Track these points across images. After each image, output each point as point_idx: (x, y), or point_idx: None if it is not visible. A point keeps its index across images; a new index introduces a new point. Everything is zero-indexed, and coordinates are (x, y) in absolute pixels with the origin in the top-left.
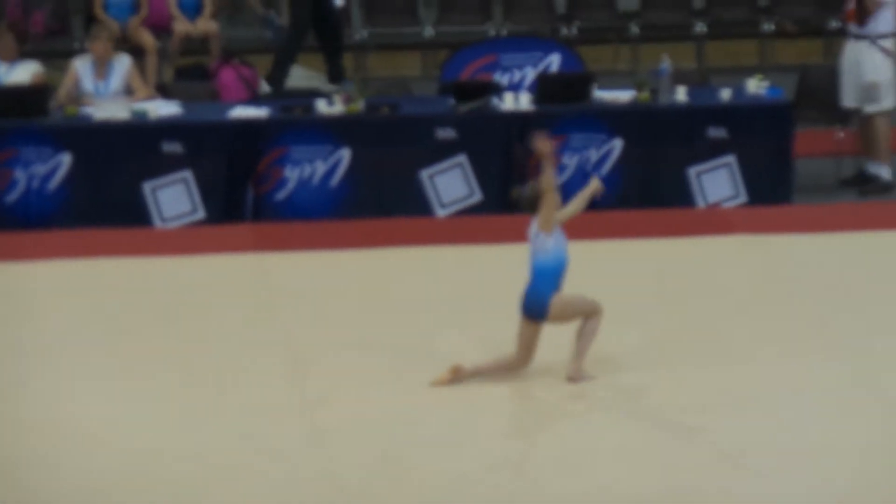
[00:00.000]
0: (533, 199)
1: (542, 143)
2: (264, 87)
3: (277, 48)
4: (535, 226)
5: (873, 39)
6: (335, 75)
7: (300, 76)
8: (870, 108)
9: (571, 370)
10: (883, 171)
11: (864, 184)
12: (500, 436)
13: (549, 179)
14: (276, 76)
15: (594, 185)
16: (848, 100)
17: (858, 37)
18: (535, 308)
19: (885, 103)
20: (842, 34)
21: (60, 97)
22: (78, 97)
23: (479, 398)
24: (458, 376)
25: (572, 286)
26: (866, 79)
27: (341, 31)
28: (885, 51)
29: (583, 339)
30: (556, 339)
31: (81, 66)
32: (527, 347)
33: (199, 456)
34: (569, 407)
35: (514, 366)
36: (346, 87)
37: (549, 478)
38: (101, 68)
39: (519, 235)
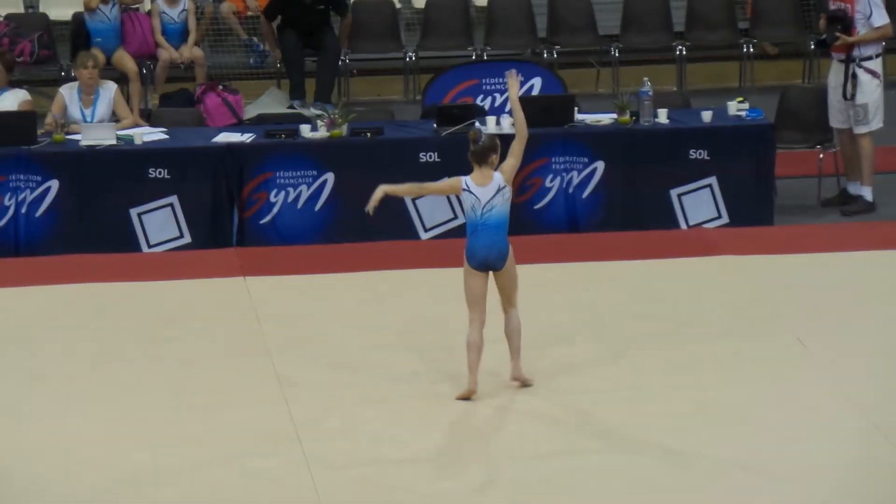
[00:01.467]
0: (486, 149)
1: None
2: (249, 112)
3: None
4: (499, 179)
5: (859, 62)
6: (322, 95)
7: (277, 98)
8: (858, 130)
9: (514, 371)
10: (865, 192)
11: (845, 204)
12: (486, 457)
13: (523, 128)
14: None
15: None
16: (835, 121)
17: (845, 60)
18: (502, 256)
19: (874, 124)
20: (824, 55)
21: (48, 124)
22: (65, 124)
23: (464, 420)
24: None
25: (555, 307)
26: (855, 100)
27: (336, 55)
28: (870, 72)
29: (514, 338)
30: (545, 357)
31: (68, 94)
32: (483, 299)
33: (188, 479)
34: (552, 427)
35: (480, 325)
36: (328, 109)
37: (538, 499)
38: (88, 96)
39: None
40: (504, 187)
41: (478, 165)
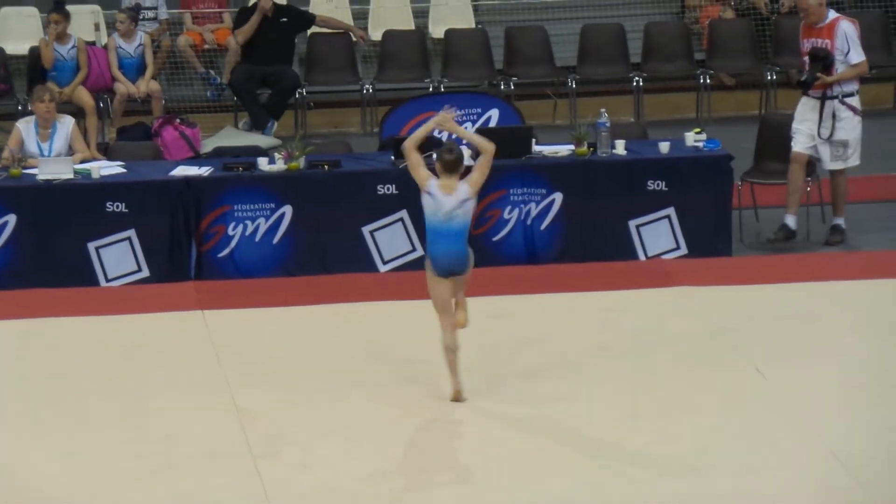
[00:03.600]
0: (459, 159)
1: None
2: (206, 145)
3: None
4: (465, 191)
5: (841, 98)
6: (272, 112)
7: (234, 135)
8: (834, 166)
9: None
10: (840, 222)
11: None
12: (445, 487)
13: (485, 143)
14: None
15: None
16: (799, 145)
17: (821, 97)
18: (464, 263)
19: (851, 161)
20: (780, 84)
21: (4, 159)
22: (22, 158)
23: (425, 451)
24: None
25: (514, 339)
26: (836, 137)
27: (290, 88)
28: (851, 108)
29: (451, 354)
30: (504, 388)
31: (25, 128)
32: (450, 303)
33: None
34: (511, 457)
35: (451, 328)
36: (265, 135)
37: None
38: (45, 130)
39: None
40: (468, 199)
41: (447, 174)
